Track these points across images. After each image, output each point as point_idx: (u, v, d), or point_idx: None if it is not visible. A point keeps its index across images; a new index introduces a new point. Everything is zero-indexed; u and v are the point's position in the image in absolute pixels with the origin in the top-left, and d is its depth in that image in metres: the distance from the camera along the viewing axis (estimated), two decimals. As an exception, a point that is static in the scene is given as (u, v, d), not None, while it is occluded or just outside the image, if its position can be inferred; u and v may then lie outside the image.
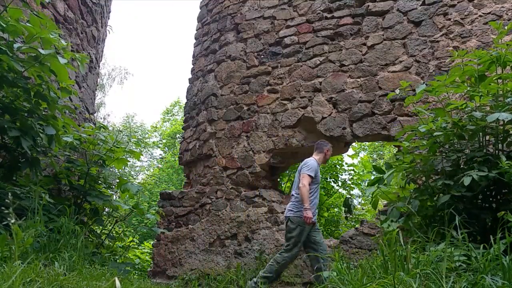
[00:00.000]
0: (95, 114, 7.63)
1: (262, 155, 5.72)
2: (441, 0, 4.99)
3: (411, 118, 4.75)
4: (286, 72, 5.80)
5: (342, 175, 9.50)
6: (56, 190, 4.65)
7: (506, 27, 3.21)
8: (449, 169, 3.12)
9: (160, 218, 6.41)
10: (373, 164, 8.37)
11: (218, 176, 6.01)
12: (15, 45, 3.32)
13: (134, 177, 22.51)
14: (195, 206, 6.16)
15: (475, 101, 3.10)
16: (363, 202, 12.18)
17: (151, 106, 45.07)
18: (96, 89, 7.42)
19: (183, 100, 13.95)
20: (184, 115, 7.39)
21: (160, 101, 46.22)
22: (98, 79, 11.25)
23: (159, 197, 6.84)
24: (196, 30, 7.47)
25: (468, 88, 3.12)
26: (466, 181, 2.63)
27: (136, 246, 10.17)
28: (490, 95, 3.09)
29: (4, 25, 3.23)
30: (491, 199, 2.98)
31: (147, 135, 25.49)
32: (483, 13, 4.74)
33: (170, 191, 6.70)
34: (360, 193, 12.66)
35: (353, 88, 5.24)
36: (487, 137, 3.18)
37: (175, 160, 18.73)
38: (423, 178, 3.40)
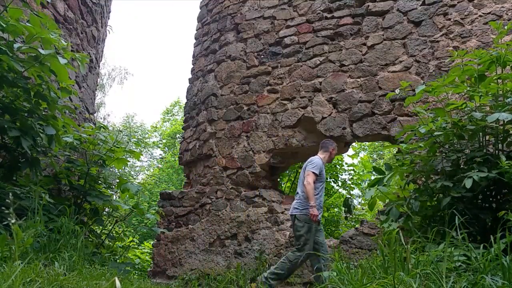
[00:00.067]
0: (95, 114, 7.63)
1: (262, 155, 5.72)
2: (441, 0, 4.99)
3: (411, 118, 4.75)
4: (286, 72, 5.80)
5: (342, 175, 9.51)
6: (56, 190, 4.66)
7: (506, 27, 3.21)
8: (449, 169, 3.12)
9: (160, 218, 6.41)
10: (374, 165, 8.37)
11: (218, 176, 6.01)
12: (15, 45, 3.32)
13: (134, 177, 22.52)
14: (195, 206, 6.17)
15: (475, 101, 3.10)
16: (363, 202, 12.18)
17: (151, 106, 45.11)
18: (96, 89, 7.42)
19: (183, 100, 13.95)
20: (184, 115, 7.39)
21: (160, 101, 46.26)
22: (98, 79, 11.25)
23: (159, 197, 6.84)
24: (196, 30, 7.47)
25: (468, 88, 3.12)
26: (468, 183, 2.63)
27: (136, 246, 10.18)
28: (490, 95, 3.09)
29: (4, 25, 3.23)
30: (491, 199, 2.98)
31: (147, 135, 25.50)
32: (483, 13, 4.74)
33: (170, 191, 6.70)
34: (360, 193, 12.66)
35: (353, 88, 5.24)
36: (487, 137, 3.18)
37: (175, 160, 18.74)
38: (423, 178, 3.40)
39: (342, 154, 7.78)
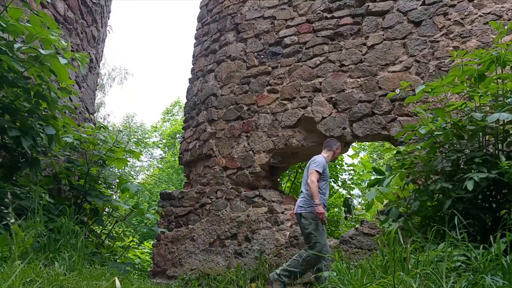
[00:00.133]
0: (95, 114, 7.63)
1: (262, 155, 5.72)
2: (441, 0, 4.99)
3: (411, 118, 4.75)
4: (286, 72, 5.80)
5: (342, 175, 9.51)
6: (56, 190, 4.65)
7: (506, 27, 3.21)
8: (449, 169, 3.12)
9: (160, 218, 6.41)
10: (374, 165, 8.37)
11: (218, 176, 6.01)
12: (15, 46, 3.32)
13: (134, 177, 22.51)
14: (195, 206, 6.17)
15: (474, 101, 3.10)
16: (363, 202, 12.18)
17: (151, 106, 45.11)
18: (96, 89, 7.42)
19: (183, 100, 13.95)
20: (184, 115, 7.39)
21: (160, 101, 46.26)
22: (98, 79, 11.25)
23: (159, 197, 6.84)
24: (196, 30, 7.47)
25: (468, 89, 3.12)
26: (469, 185, 2.63)
27: (136, 246, 10.17)
28: (490, 95, 3.09)
29: (4, 25, 3.23)
30: (491, 199, 2.98)
31: (147, 135, 25.50)
32: (483, 13, 4.74)
33: (170, 191, 6.70)
34: (360, 193, 12.66)
35: (353, 88, 5.24)
36: (487, 137, 3.18)
37: (175, 160, 18.74)
38: (423, 178, 3.40)
39: (342, 154, 7.78)
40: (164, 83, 47.78)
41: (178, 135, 20.35)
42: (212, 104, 6.38)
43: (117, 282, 2.10)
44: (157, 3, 49.28)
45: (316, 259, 4.22)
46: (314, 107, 5.44)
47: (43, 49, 3.39)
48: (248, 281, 5.14)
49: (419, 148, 3.26)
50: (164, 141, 23.25)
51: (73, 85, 4.91)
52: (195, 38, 7.42)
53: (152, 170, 22.95)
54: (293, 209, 5.54)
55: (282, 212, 5.48)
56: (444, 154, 3.23)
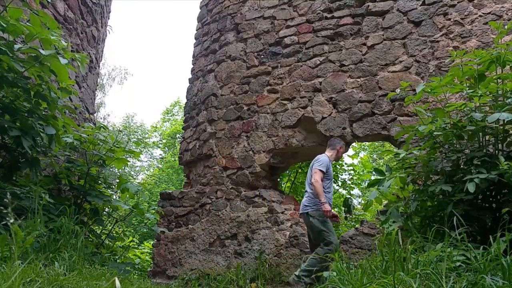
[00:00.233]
0: (95, 114, 7.63)
1: (262, 155, 5.72)
2: (441, 0, 4.99)
3: (411, 118, 4.75)
4: (286, 72, 5.80)
5: (342, 175, 9.51)
6: (56, 190, 4.65)
7: (506, 27, 3.21)
8: (449, 169, 3.12)
9: (160, 218, 6.41)
10: (375, 166, 8.37)
11: (218, 176, 6.01)
12: (16, 46, 3.32)
13: (134, 177, 22.51)
14: (195, 206, 6.17)
15: (474, 101, 3.09)
16: (363, 202, 12.18)
17: (151, 106, 45.11)
18: (96, 89, 7.42)
19: (183, 100, 13.95)
20: (184, 115, 7.39)
21: (160, 101, 46.25)
22: (98, 79, 11.25)
23: (159, 197, 6.84)
24: (196, 30, 7.47)
25: (467, 89, 3.12)
26: (471, 188, 2.62)
27: (136, 246, 10.17)
28: (490, 95, 3.09)
29: (4, 25, 3.23)
30: (491, 199, 2.98)
31: (147, 135, 25.50)
32: (483, 13, 4.74)
33: (170, 191, 6.70)
34: (360, 193, 12.66)
35: (353, 88, 5.24)
36: (487, 137, 3.18)
37: (175, 160, 18.74)
38: (423, 179, 3.40)
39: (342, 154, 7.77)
40: (164, 83, 47.81)
41: (178, 135, 20.35)
42: (212, 104, 6.38)
43: (117, 282, 2.10)
44: (157, 3, 49.30)
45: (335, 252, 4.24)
46: (314, 107, 5.44)
47: (43, 49, 3.39)
48: (248, 281, 5.14)
49: (416, 153, 3.25)
50: (164, 141, 23.25)
51: (73, 85, 4.91)
52: (195, 38, 7.42)
53: (152, 170, 22.95)
54: (293, 209, 5.55)
55: (282, 212, 5.48)
56: (444, 154, 3.23)
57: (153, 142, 24.91)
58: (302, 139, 5.51)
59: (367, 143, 14.58)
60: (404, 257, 2.25)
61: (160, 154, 23.67)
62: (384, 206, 4.71)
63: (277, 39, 5.99)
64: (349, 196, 8.73)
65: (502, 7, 4.67)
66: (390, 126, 4.89)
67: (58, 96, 3.82)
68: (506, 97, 3.00)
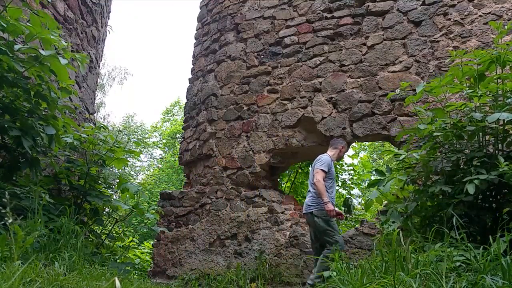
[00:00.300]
0: (95, 114, 7.63)
1: (262, 155, 5.72)
2: (441, 0, 4.99)
3: (411, 118, 4.75)
4: (286, 72, 5.80)
5: (342, 175, 9.51)
6: (56, 190, 4.65)
7: (506, 27, 3.21)
8: (448, 169, 3.12)
9: (160, 217, 6.41)
10: (375, 166, 8.36)
11: (218, 176, 6.01)
12: (16, 46, 3.32)
13: (134, 177, 22.51)
14: (195, 206, 6.17)
15: (474, 101, 3.09)
16: (363, 202, 12.17)
17: (151, 106, 45.12)
18: (96, 89, 7.42)
19: (183, 100, 13.95)
20: (184, 115, 7.39)
21: (160, 101, 46.26)
22: (98, 79, 11.25)
23: (159, 197, 6.84)
24: (196, 30, 7.47)
25: (467, 89, 3.12)
26: (470, 189, 2.62)
27: (136, 246, 10.17)
28: (490, 95, 3.08)
29: (5, 25, 3.23)
30: (491, 199, 2.98)
31: (147, 135, 25.49)
32: (483, 13, 4.74)
33: (170, 191, 6.70)
34: (360, 193, 12.66)
35: (353, 88, 5.24)
36: (487, 137, 3.18)
37: (175, 160, 18.74)
38: (423, 179, 3.40)
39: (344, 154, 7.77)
40: (164, 83, 47.81)
41: (178, 135, 20.35)
42: (212, 104, 6.38)
43: (117, 282, 2.10)
44: (157, 3, 49.29)
45: (343, 250, 4.25)
46: (314, 107, 5.44)
47: (43, 49, 3.39)
48: (248, 281, 5.14)
49: (416, 157, 3.24)
50: (164, 141, 23.25)
51: (73, 85, 4.91)
52: (195, 38, 7.42)
53: (152, 170, 22.95)
54: (293, 209, 5.55)
55: (282, 212, 5.48)
56: (444, 155, 3.23)
57: (153, 142, 24.91)
58: (302, 139, 5.51)
59: (367, 143, 14.58)
60: (404, 257, 2.24)
61: (160, 154, 23.68)
62: (384, 206, 4.71)
63: (277, 39, 5.99)
64: (349, 196, 8.73)
65: (502, 7, 4.67)
66: (390, 126, 4.89)
67: (58, 96, 3.81)
68: (506, 97, 3.00)
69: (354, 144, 7.76)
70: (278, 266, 5.15)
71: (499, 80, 3.07)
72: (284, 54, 5.88)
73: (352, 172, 9.54)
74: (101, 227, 4.78)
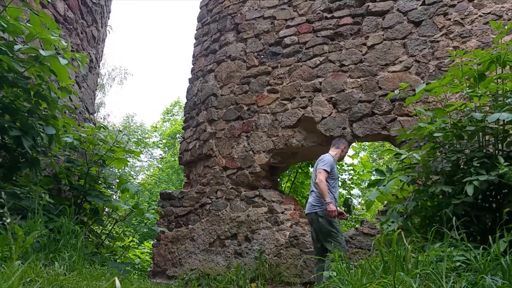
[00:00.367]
0: (95, 114, 7.63)
1: (262, 155, 5.72)
2: (441, 0, 5.00)
3: (411, 118, 4.75)
4: (286, 72, 5.80)
5: (342, 175, 9.51)
6: (56, 190, 4.65)
7: (506, 27, 3.21)
8: (448, 169, 3.12)
9: (160, 217, 6.41)
10: (375, 166, 8.36)
11: (218, 176, 6.01)
12: (16, 47, 3.32)
13: (134, 177, 22.51)
14: (195, 206, 6.17)
15: (474, 101, 3.09)
16: (363, 202, 12.18)
17: (151, 106, 45.13)
18: (96, 89, 7.42)
19: (183, 100, 13.95)
20: (184, 115, 7.39)
21: (160, 101, 46.28)
22: (98, 79, 11.25)
23: (159, 197, 6.84)
24: (196, 30, 7.47)
25: (467, 88, 3.12)
26: (469, 191, 2.62)
27: (136, 246, 10.17)
28: (490, 95, 3.08)
29: (5, 25, 3.23)
30: (491, 199, 2.98)
31: (147, 135, 25.50)
32: (483, 13, 4.74)
33: (170, 191, 6.70)
34: (360, 193, 12.66)
35: (353, 88, 5.24)
36: (487, 137, 3.18)
37: (175, 160, 18.74)
38: (423, 179, 3.40)
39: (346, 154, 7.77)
40: (164, 83, 47.82)
41: (178, 135, 20.35)
42: (212, 104, 6.38)
43: (117, 282, 2.10)
44: (157, 3, 49.30)
45: (345, 251, 4.26)
46: (314, 107, 5.44)
47: (43, 49, 3.39)
48: (248, 281, 5.14)
49: (418, 156, 3.24)
50: (164, 141, 23.25)
51: (73, 85, 4.91)
52: (195, 38, 7.42)
53: (152, 170, 22.95)
54: (293, 209, 5.55)
55: (282, 212, 5.48)
56: (444, 155, 3.23)
57: (153, 142, 24.91)
58: (302, 139, 5.51)
59: (367, 143, 14.58)
60: (404, 257, 2.24)
61: (160, 154, 23.68)
62: (384, 206, 4.71)
63: (277, 39, 5.99)
64: (349, 196, 8.73)
65: (502, 7, 4.67)
66: (390, 126, 4.89)
67: (58, 96, 3.81)
68: (506, 97, 3.00)
69: (354, 144, 7.77)
70: (278, 266, 5.15)
71: (499, 80, 3.07)
72: (284, 54, 5.88)
73: (352, 172, 9.54)
74: (101, 227, 4.78)
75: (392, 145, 5.90)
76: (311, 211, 4.42)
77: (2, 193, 2.42)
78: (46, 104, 3.67)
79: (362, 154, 13.51)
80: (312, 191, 4.53)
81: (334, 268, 2.77)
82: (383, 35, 5.24)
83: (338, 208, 4.38)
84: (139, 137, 23.91)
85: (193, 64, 7.31)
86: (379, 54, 5.20)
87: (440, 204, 2.98)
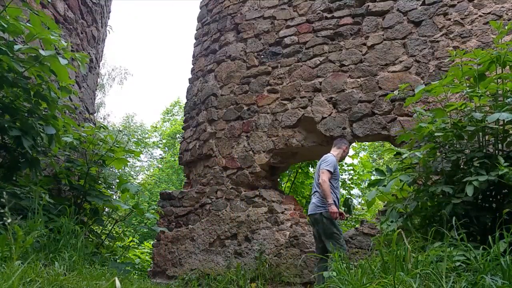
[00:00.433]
0: (95, 114, 7.63)
1: (262, 155, 5.72)
2: (441, 0, 4.99)
3: (411, 118, 4.75)
4: (286, 72, 5.80)
5: (342, 175, 9.51)
6: (56, 190, 4.65)
7: (506, 27, 3.21)
8: (448, 170, 3.12)
9: (160, 217, 6.41)
10: (375, 166, 8.36)
11: (218, 176, 6.01)
12: (16, 47, 3.32)
13: (134, 177, 22.51)
14: (195, 206, 6.17)
15: (474, 101, 3.09)
16: (363, 202, 12.18)
17: (151, 106, 45.14)
18: (96, 89, 7.42)
19: (183, 100, 13.96)
20: (184, 115, 7.39)
21: (160, 101, 46.29)
22: (98, 79, 11.25)
23: (159, 197, 6.84)
24: (196, 30, 7.47)
25: (467, 88, 3.12)
26: (469, 191, 2.62)
27: (136, 246, 10.17)
28: (490, 95, 3.08)
29: (5, 25, 3.23)
30: (491, 199, 2.98)
31: (147, 135, 25.50)
32: (483, 13, 4.74)
33: (170, 191, 6.70)
34: (360, 193, 12.66)
35: (353, 88, 5.24)
36: (487, 137, 3.18)
37: (175, 160, 18.74)
38: (423, 179, 3.39)
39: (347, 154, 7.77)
40: (164, 83, 47.83)
41: (178, 135, 20.35)
42: (212, 104, 6.38)
43: (117, 282, 2.10)
44: (157, 3, 49.30)
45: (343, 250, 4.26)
46: (314, 107, 5.44)
47: (43, 49, 3.39)
48: (248, 281, 5.14)
49: (420, 154, 3.24)
50: (164, 141, 23.26)
51: (73, 85, 4.91)
52: (195, 38, 7.42)
53: (152, 170, 22.96)
54: (293, 209, 5.55)
55: (282, 212, 5.48)
56: (444, 155, 3.23)
57: (153, 142, 24.92)
58: (302, 139, 5.51)
59: (367, 143, 14.59)
60: (404, 257, 2.24)
61: (160, 154, 23.69)
62: (384, 206, 4.71)
63: (277, 39, 5.99)
64: (349, 196, 8.73)
65: (502, 7, 4.67)
66: (390, 126, 4.89)
67: (58, 96, 3.81)
68: (506, 97, 3.00)
69: (354, 144, 7.77)
70: (278, 266, 5.15)
71: (499, 80, 3.07)
72: (284, 54, 5.88)
73: (352, 172, 9.54)
74: (101, 227, 4.78)
75: (392, 145, 5.90)
76: (316, 212, 4.39)
77: (4, 193, 2.42)
78: (46, 104, 3.67)
79: (362, 154, 13.51)
80: (316, 191, 4.51)
81: (334, 268, 2.77)
82: (383, 35, 5.24)
83: (339, 209, 4.39)
84: (139, 137, 23.91)
85: (193, 64, 7.31)
86: (379, 54, 5.20)
87: (440, 204, 2.98)
